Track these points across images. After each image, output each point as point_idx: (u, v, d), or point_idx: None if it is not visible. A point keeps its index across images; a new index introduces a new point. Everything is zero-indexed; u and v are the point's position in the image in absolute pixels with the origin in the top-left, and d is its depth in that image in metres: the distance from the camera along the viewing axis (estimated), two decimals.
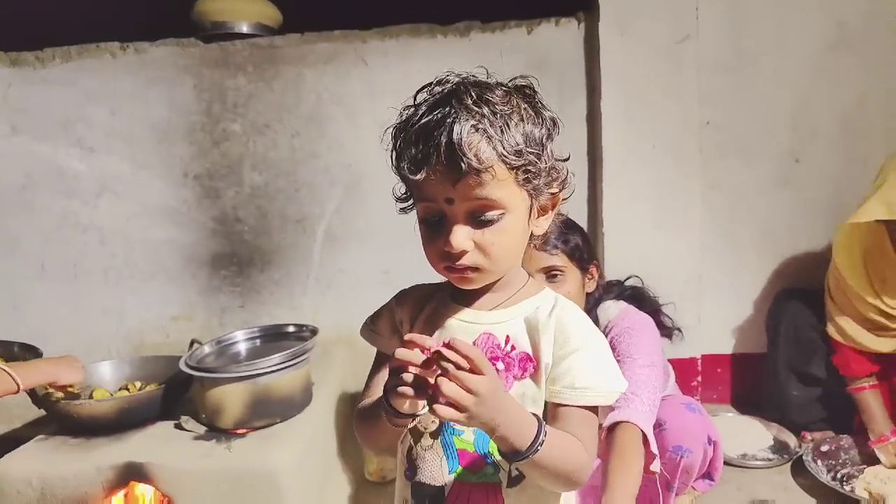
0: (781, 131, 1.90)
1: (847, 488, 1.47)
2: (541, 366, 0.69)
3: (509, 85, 0.67)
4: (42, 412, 1.48)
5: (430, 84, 0.67)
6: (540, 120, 0.66)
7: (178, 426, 1.42)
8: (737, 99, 1.88)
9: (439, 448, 0.71)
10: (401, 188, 0.71)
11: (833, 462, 1.59)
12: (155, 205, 2.05)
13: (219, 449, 1.32)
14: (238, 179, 2.03)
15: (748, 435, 1.77)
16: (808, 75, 1.86)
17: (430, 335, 0.72)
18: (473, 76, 0.66)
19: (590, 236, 1.48)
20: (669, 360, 1.49)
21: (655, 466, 1.11)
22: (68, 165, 2.03)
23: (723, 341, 2.01)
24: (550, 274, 1.23)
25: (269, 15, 2.05)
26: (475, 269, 0.66)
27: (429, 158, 0.61)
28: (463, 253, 0.65)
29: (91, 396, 1.50)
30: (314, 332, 1.54)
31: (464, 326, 0.72)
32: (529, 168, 0.64)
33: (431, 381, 0.58)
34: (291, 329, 1.62)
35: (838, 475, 1.54)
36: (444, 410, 0.56)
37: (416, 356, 0.59)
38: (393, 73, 1.93)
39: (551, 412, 0.69)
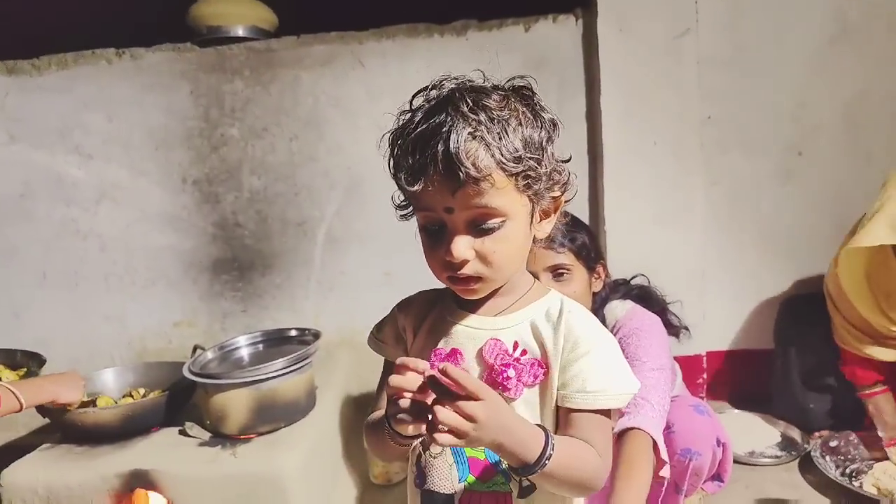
0: (783, 125, 1.88)
1: (856, 484, 1.46)
2: (551, 371, 0.68)
3: (507, 87, 0.66)
4: (46, 420, 1.48)
5: (426, 88, 0.66)
6: (539, 123, 0.64)
7: (183, 432, 1.41)
8: (738, 93, 1.86)
9: (449, 456, 0.70)
10: (400, 195, 0.70)
11: (842, 458, 1.58)
12: (154, 211, 2.04)
13: (224, 455, 1.32)
14: (237, 184, 2.03)
15: (755, 432, 1.76)
16: (809, 68, 1.85)
17: (435, 343, 0.72)
18: (470, 80, 0.65)
19: None
20: (674, 358, 1.48)
21: (665, 472, 1.10)
22: (67, 173, 2.03)
23: (727, 338, 2.00)
24: (557, 272, 1.22)
25: (265, 18, 2.04)
26: (478, 278, 0.65)
27: (426, 168, 0.60)
28: (464, 262, 0.64)
29: (95, 404, 1.50)
30: (317, 335, 1.54)
31: (469, 333, 0.70)
32: (529, 173, 0.62)
33: (429, 401, 0.57)
34: (294, 333, 1.61)
35: (847, 471, 1.53)
36: (444, 438, 0.55)
37: (410, 381, 0.58)
38: (391, 74, 1.92)
39: (563, 417, 0.68)
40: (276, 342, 1.60)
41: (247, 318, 2.07)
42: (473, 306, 0.72)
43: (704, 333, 1.88)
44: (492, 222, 0.63)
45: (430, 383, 0.56)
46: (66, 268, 2.07)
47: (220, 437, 1.38)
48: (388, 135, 0.66)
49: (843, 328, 1.58)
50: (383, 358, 0.80)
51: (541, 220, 0.69)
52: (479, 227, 0.63)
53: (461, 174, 0.59)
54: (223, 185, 2.03)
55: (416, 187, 0.61)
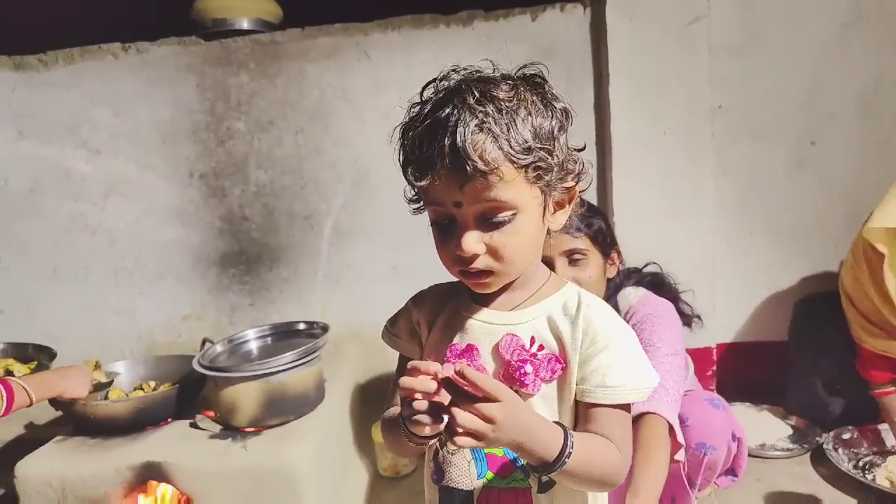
0: (796, 114, 1.85)
1: (869, 477, 1.44)
2: (569, 366, 0.67)
3: (516, 76, 0.64)
4: (59, 413, 1.50)
5: (436, 79, 0.64)
6: (550, 112, 0.62)
7: (194, 425, 1.42)
8: (749, 81, 1.83)
9: (467, 452, 0.69)
10: (411, 189, 0.69)
11: (855, 451, 1.56)
12: (162, 205, 2.05)
13: (235, 447, 1.33)
14: (244, 178, 2.03)
15: (766, 425, 1.75)
16: (823, 55, 1.81)
17: (450, 338, 0.71)
18: (478, 71, 0.63)
19: None
20: (685, 351, 1.47)
21: (680, 456, 1.09)
22: (75, 168, 2.04)
23: (738, 329, 1.98)
24: (573, 257, 1.21)
25: (269, 10, 2.03)
26: (489, 272, 0.64)
27: (433, 163, 0.59)
28: (475, 257, 0.63)
29: (107, 397, 1.51)
30: (325, 328, 1.54)
31: (485, 328, 0.69)
32: (540, 164, 0.61)
33: (445, 402, 0.56)
34: (302, 326, 1.62)
35: (860, 463, 1.51)
36: (463, 440, 0.55)
37: (423, 384, 0.57)
38: (396, 66, 1.90)
39: (582, 412, 0.67)
40: (284, 335, 1.60)
41: (254, 311, 2.08)
42: (488, 300, 0.70)
43: (715, 325, 1.87)
44: (502, 216, 0.62)
45: (447, 385, 0.56)
46: (75, 262, 2.09)
47: (230, 429, 1.39)
48: (398, 128, 0.65)
49: (857, 323, 1.55)
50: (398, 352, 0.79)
51: (555, 212, 0.68)
52: (488, 220, 0.62)
53: (468, 168, 0.58)
54: (230, 178, 2.03)
55: (423, 182, 0.60)
